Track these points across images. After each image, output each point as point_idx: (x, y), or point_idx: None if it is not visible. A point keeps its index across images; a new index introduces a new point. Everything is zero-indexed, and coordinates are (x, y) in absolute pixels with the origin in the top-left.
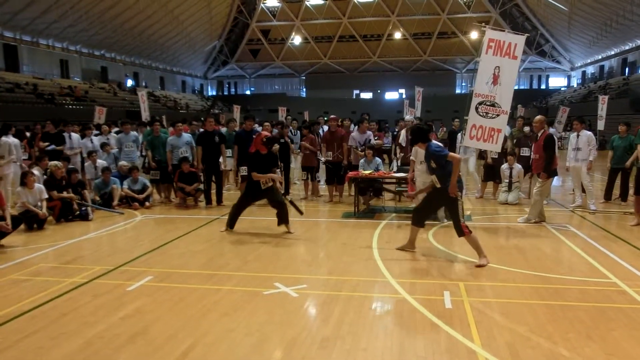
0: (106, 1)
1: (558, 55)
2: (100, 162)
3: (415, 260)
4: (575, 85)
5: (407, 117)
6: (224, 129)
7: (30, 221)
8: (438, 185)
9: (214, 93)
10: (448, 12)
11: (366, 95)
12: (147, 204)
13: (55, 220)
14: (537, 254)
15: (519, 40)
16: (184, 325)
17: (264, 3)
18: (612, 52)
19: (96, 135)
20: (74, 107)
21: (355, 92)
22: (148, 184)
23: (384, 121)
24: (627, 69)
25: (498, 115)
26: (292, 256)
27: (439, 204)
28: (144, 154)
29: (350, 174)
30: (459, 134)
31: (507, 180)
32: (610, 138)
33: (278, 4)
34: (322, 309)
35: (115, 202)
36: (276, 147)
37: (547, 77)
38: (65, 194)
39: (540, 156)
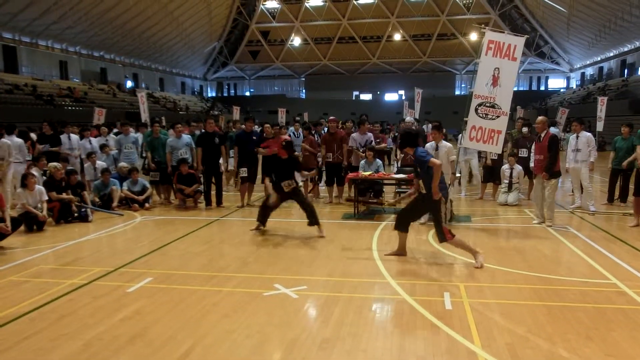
0: (106, 2)
1: (557, 56)
2: (100, 164)
3: (415, 262)
4: (574, 87)
5: (408, 118)
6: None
7: (30, 223)
8: (423, 191)
9: (214, 94)
10: (447, 14)
11: (366, 97)
12: (146, 205)
13: (54, 222)
14: (536, 255)
15: (519, 41)
16: (183, 327)
17: (263, 4)
18: (611, 54)
19: (96, 137)
20: (73, 108)
21: (355, 93)
22: (148, 185)
23: (385, 122)
24: (626, 71)
25: (498, 116)
26: (292, 257)
27: (424, 208)
28: (143, 155)
29: (351, 175)
30: (459, 135)
31: (507, 181)
32: (613, 139)
33: (278, 5)
34: (322, 310)
35: (115, 204)
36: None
37: (547, 78)
38: (64, 195)
39: (545, 157)
